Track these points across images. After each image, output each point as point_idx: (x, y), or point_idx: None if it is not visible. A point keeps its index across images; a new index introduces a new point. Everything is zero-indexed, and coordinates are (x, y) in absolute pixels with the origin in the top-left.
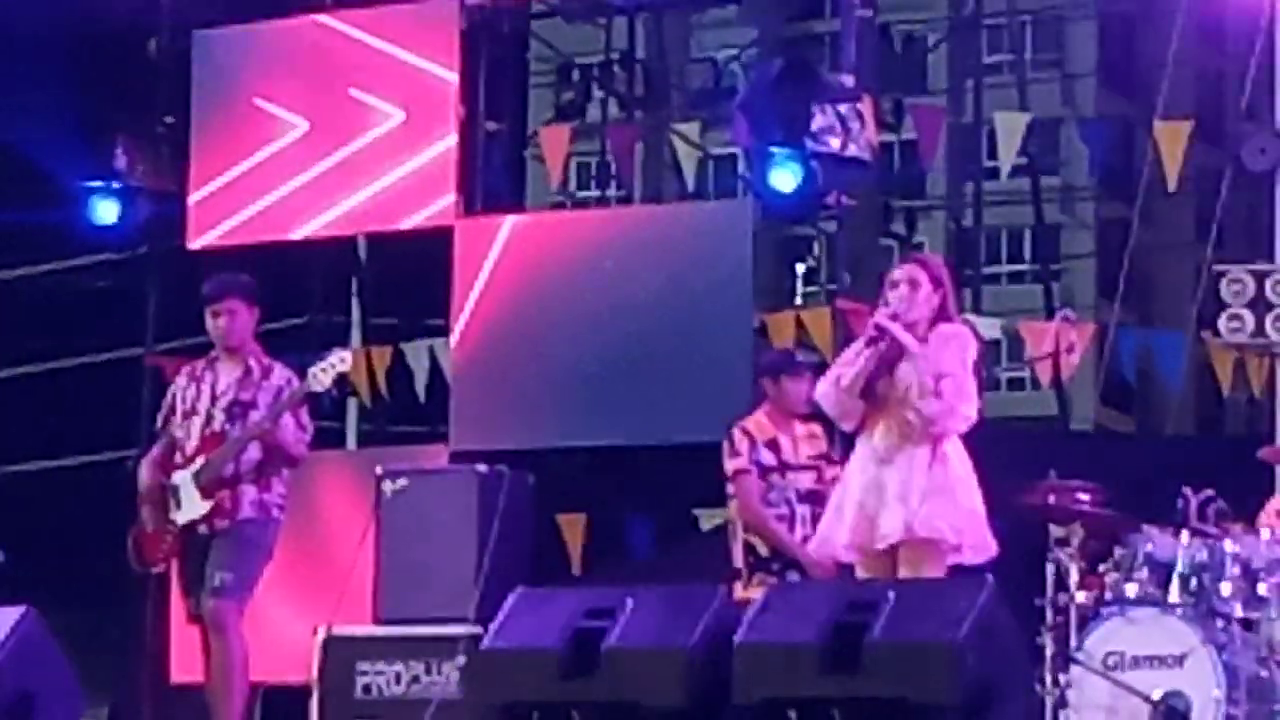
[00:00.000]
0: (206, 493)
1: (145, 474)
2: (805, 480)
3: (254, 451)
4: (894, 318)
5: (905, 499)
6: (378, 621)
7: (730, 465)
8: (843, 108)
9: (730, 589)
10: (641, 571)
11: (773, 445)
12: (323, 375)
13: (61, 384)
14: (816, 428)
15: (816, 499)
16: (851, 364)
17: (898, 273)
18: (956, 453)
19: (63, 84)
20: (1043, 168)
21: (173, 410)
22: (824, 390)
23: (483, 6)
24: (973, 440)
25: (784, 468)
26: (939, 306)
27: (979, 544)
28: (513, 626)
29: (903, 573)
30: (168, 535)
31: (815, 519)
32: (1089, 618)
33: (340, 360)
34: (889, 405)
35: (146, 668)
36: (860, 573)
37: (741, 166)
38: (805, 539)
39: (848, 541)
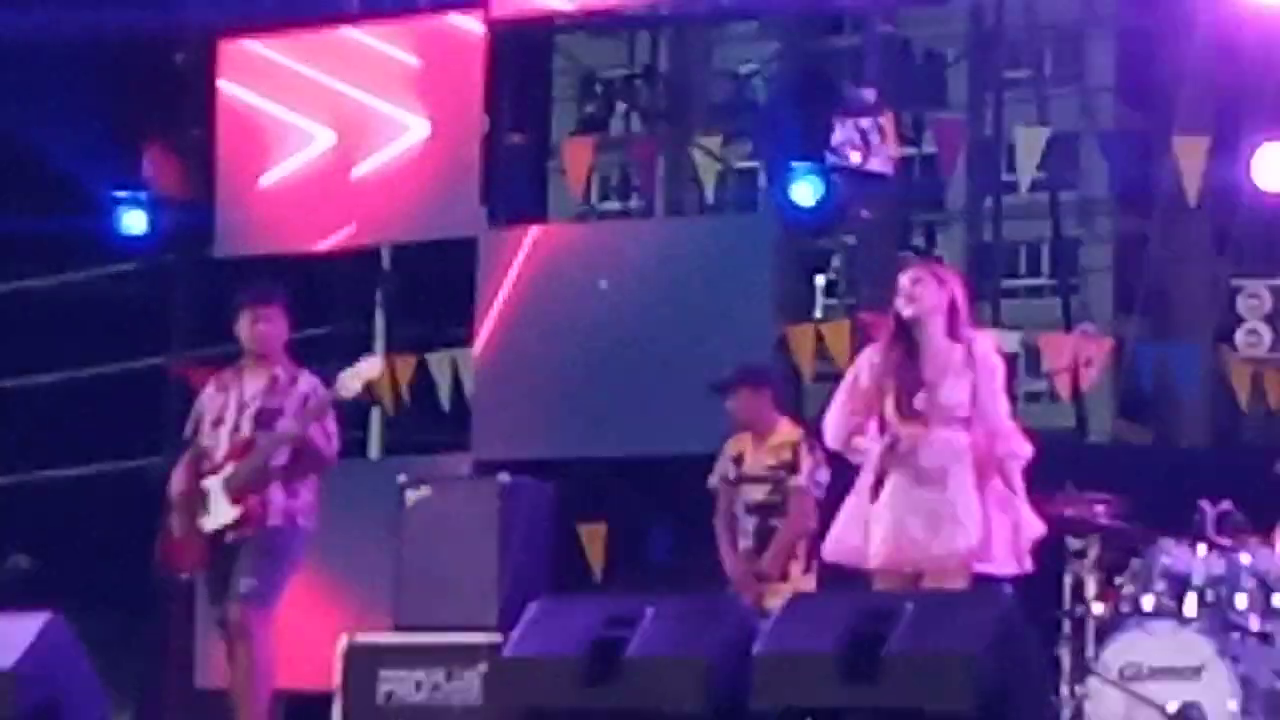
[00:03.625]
0: (235, 499)
1: (176, 479)
2: (757, 492)
3: (282, 457)
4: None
5: (960, 521)
6: (400, 629)
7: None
8: (863, 122)
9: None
10: (662, 580)
11: (739, 459)
12: (352, 381)
13: (88, 392)
14: (785, 437)
15: (769, 511)
16: (849, 391)
17: (903, 277)
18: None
19: (91, 94)
20: (1061, 182)
21: (200, 420)
22: (825, 434)
23: (507, 20)
24: None
25: (740, 481)
26: (950, 303)
27: (1018, 558)
28: (533, 635)
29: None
30: (195, 542)
31: (765, 530)
32: (1106, 629)
33: (370, 366)
34: (931, 422)
35: (172, 673)
36: (879, 584)
37: (762, 180)
38: (749, 550)
39: (882, 556)
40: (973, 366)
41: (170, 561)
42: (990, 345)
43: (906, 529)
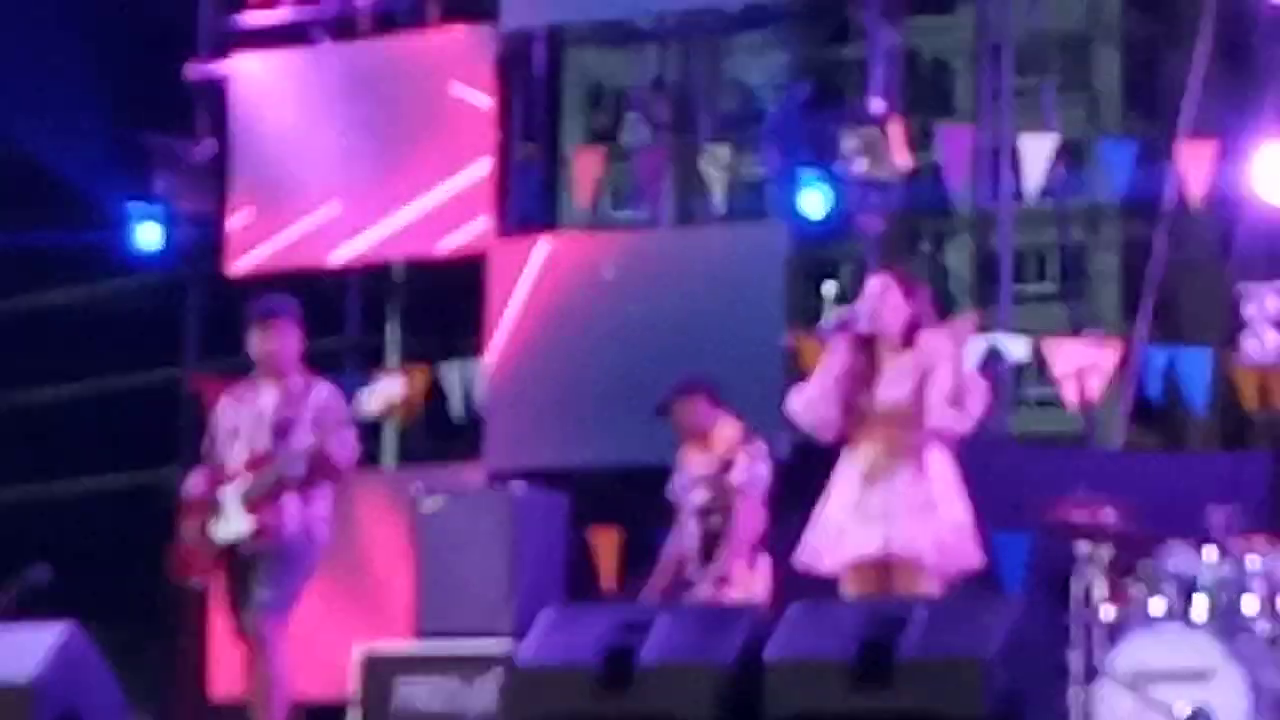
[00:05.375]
0: (251, 509)
1: (192, 483)
2: (697, 498)
3: (299, 468)
4: (847, 322)
5: (886, 516)
6: (416, 638)
7: None
8: (871, 131)
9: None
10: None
11: (684, 469)
12: (372, 401)
13: (103, 405)
14: (723, 438)
15: (708, 511)
16: (820, 377)
17: (872, 282)
18: (939, 466)
19: (104, 109)
20: (1069, 189)
21: (216, 435)
22: (792, 406)
23: (517, 33)
24: (998, 457)
25: (686, 487)
26: (912, 316)
27: (963, 557)
28: (547, 643)
29: (899, 591)
30: (208, 550)
31: (708, 532)
32: (1116, 633)
33: (391, 387)
34: (871, 423)
35: (188, 684)
36: (849, 589)
37: (771, 190)
38: (694, 551)
39: (830, 561)
40: (920, 363)
41: (182, 568)
42: (939, 337)
43: (845, 530)
